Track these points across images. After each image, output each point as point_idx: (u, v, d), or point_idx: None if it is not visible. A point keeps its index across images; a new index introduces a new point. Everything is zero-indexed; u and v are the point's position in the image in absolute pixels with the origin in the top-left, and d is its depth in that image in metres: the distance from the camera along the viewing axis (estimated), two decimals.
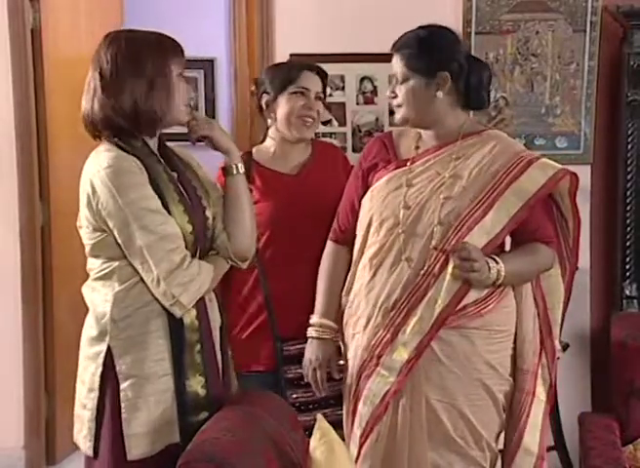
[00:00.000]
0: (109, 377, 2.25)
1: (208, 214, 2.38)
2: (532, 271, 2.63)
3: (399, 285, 2.54)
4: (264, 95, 2.95)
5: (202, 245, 2.35)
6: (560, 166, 2.62)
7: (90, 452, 2.30)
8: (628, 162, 3.74)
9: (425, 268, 2.52)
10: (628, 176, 3.74)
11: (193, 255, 2.30)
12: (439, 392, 2.53)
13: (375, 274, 2.59)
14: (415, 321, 2.50)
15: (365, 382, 2.58)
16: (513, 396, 2.64)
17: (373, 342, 2.56)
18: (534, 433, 2.66)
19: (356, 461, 2.58)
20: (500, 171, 2.55)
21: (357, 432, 2.60)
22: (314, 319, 2.75)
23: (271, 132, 2.99)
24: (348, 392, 2.65)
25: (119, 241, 2.24)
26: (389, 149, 2.70)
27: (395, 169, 2.63)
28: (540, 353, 2.66)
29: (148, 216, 2.21)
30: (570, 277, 2.75)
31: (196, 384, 2.27)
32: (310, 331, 2.75)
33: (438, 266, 2.51)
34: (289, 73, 2.91)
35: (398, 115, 2.63)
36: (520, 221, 2.55)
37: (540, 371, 2.66)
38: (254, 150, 3.02)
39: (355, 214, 2.71)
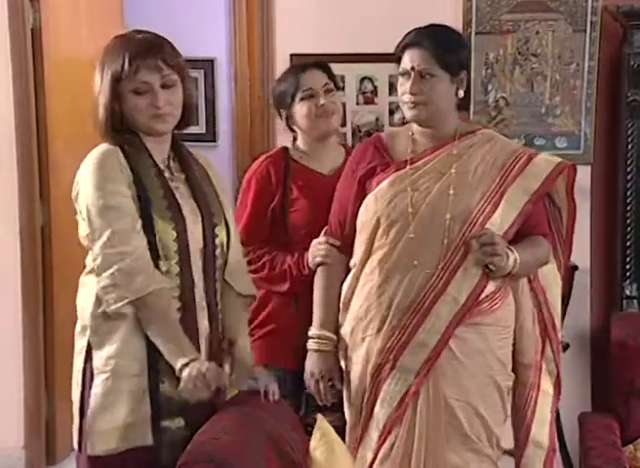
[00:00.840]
0: (89, 372, 2.25)
1: (217, 231, 2.37)
2: (536, 264, 2.65)
3: (414, 286, 2.53)
4: (282, 111, 2.97)
5: (211, 262, 2.33)
6: (559, 159, 2.66)
7: (76, 447, 2.30)
8: (628, 162, 3.74)
9: (441, 267, 2.52)
10: (628, 177, 3.74)
11: (184, 264, 2.27)
12: (456, 391, 2.54)
13: (387, 276, 2.57)
14: (433, 320, 2.51)
15: (381, 385, 2.56)
16: (516, 391, 2.66)
17: (388, 345, 2.54)
18: (542, 426, 2.68)
19: (372, 464, 2.57)
20: (504, 166, 2.57)
21: (374, 435, 2.58)
22: (313, 331, 2.70)
23: (300, 138, 2.98)
24: (360, 396, 2.62)
25: None
26: (384, 152, 2.67)
27: (396, 171, 2.61)
28: (544, 346, 2.68)
29: (103, 213, 2.21)
30: (565, 270, 2.77)
31: (172, 389, 2.23)
32: (310, 344, 2.70)
33: (454, 263, 2.52)
34: (291, 84, 2.92)
35: (417, 111, 2.56)
36: (527, 215, 2.57)
37: (544, 366, 2.69)
38: (289, 147, 3.01)
39: (352, 221, 2.68)
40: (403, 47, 2.60)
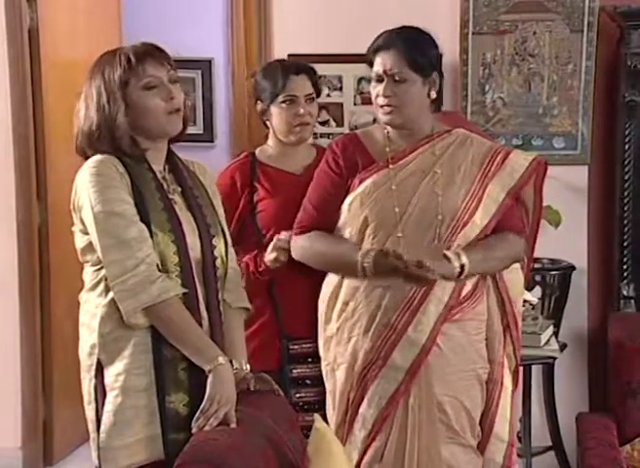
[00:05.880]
0: (100, 389, 2.25)
1: (215, 242, 2.35)
2: (499, 259, 2.64)
3: (404, 284, 2.54)
4: (259, 102, 2.97)
5: (211, 273, 2.32)
6: (533, 155, 2.69)
7: (96, 462, 2.29)
8: (626, 162, 3.74)
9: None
10: (626, 177, 3.74)
11: (185, 276, 2.25)
12: (444, 386, 2.57)
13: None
14: (421, 318, 2.53)
15: (368, 385, 2.57)
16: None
17: (377, 344, 2.55)
18: (503, 422, 2.71)
19: (359, 463, 2.57)
20: (483, 164, 2.61)
21: (360, 434, 2.59)
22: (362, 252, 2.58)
23: (271, 135, 2.99)
24: (346, 396, 2.62)
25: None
26: (363, 150, 2.67)
27: (378, 170, 2.62)
28: (505, 343, 2.72)
29: (111, 220, 2.19)
30: (527, 267, 2.80)
31: (178, 402, 2.22)
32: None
33: None
34: (276, 83, 2.90)
35: (392, 117, 2.59)
36: (505, 210, 2.59)
37: (505, 362, 2.72)
38: (257, 151, 3.02)
39: (331, 210, 2.67)
40: (374, 50, 2.62)
